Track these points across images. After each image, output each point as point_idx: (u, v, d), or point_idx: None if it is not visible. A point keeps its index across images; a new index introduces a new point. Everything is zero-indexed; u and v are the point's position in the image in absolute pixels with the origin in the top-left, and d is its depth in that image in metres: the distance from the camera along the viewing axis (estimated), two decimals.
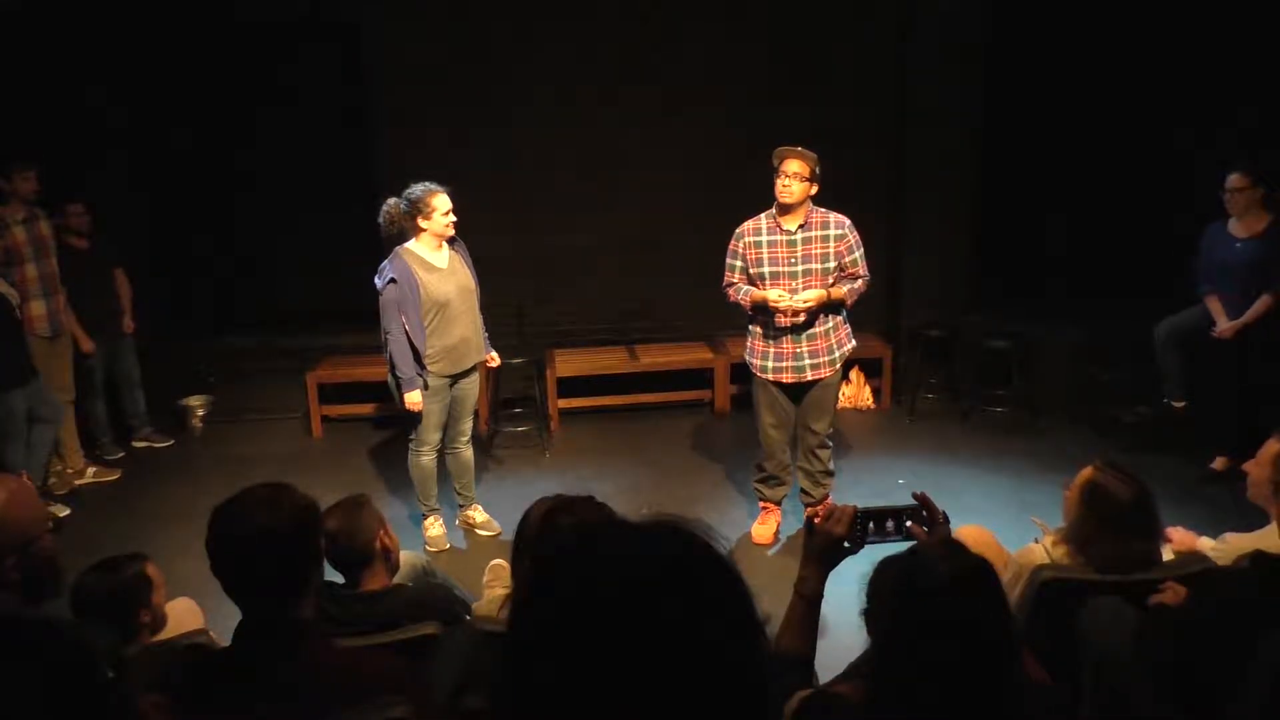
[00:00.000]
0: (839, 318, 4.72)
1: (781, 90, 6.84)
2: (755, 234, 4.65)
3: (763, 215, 4.64)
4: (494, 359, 5.10)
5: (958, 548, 1.89)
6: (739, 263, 4.69)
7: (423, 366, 4.67)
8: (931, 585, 1.78)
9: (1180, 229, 6.62)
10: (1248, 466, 3.09)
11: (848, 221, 4.62)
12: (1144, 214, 6.89)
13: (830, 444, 4.92)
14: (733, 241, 4.72)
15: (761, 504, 5.09)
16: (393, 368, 4.67)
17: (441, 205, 4.61)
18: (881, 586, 1.86)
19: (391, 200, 4.66)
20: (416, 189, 4.63)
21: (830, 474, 4.97)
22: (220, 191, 7.16)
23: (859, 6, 6.85)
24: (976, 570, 1.82)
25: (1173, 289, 6.17)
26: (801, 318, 4.59)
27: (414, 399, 4.67)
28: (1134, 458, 5.09)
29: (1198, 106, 6.59)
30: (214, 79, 6.93)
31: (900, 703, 1.73)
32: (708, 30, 6.80)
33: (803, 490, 4.97)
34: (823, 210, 4.63)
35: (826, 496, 4.87)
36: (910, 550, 1.94)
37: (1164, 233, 6.77)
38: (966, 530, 3.25)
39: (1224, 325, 5.40)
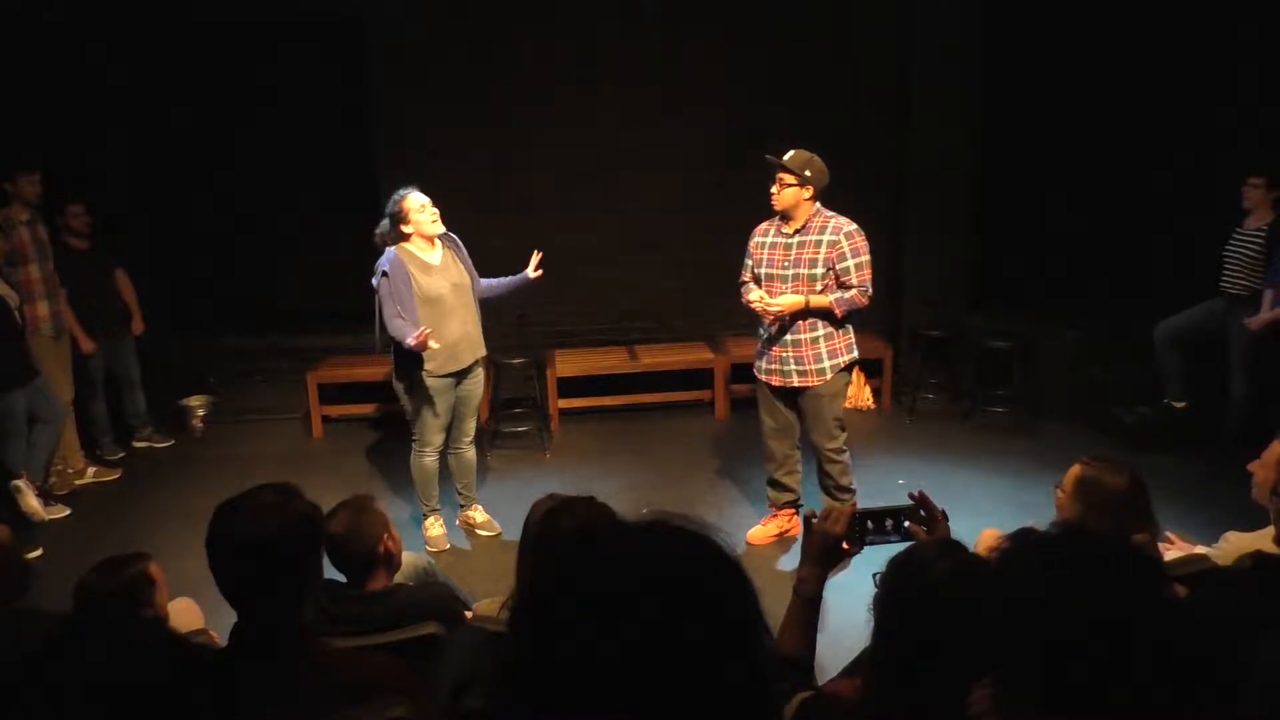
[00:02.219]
0: (833, 327, 4.55)
1: (781, 90, 6.85)
2: (763, 234, 4.66)
3: (777, 216, 4.61)
4: (537, 259, 4.98)
5: (956, 546, 1.89)
6: (749, 261, 4.71)
7: (420, 364, 4.66)
8: (929, 584, 1.78)
9: (1180, 229, 6.64)
10: (1253, 467, 3.09)
11: (847, 229, 4.45)
12: (1144, 214, 6.90)
13: (840, 459, 4.69)
14: (750, 240, 4.73)
15: (771, 507, 5.05)
16: (397, 352, 4.65)
17: (414, 204, 4.63)
18: (884, 584, 1.87)
19: (381, 223, 4.71)
20: (390, 202, 4.67)
21: (846, 489, 4.72)
22: (220, 191, 7.16)
23: (859, 6, 6.85)
24: (974, 569, 1.82)
25: (1172, 289, 6.17)
26: (772, 320, 4.57)
27: (422, 337, 4.44)
28: (1134, 458, 5.08)
29: (1198, 106, 6.60)
30: (214, 78, 6.94)
31: (897, 701, 1.73)
32: (708, 30, 6.80)
33: (824, 503, 4.88)
34: (829, 215, 4.51)
35: None
36: (908, 549, 1.94)
37: (1164, 233, 6.79)
38: (990, 533, 3.25)
39: (1263, 316, 5.33)
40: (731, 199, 6.94)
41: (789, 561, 4.77)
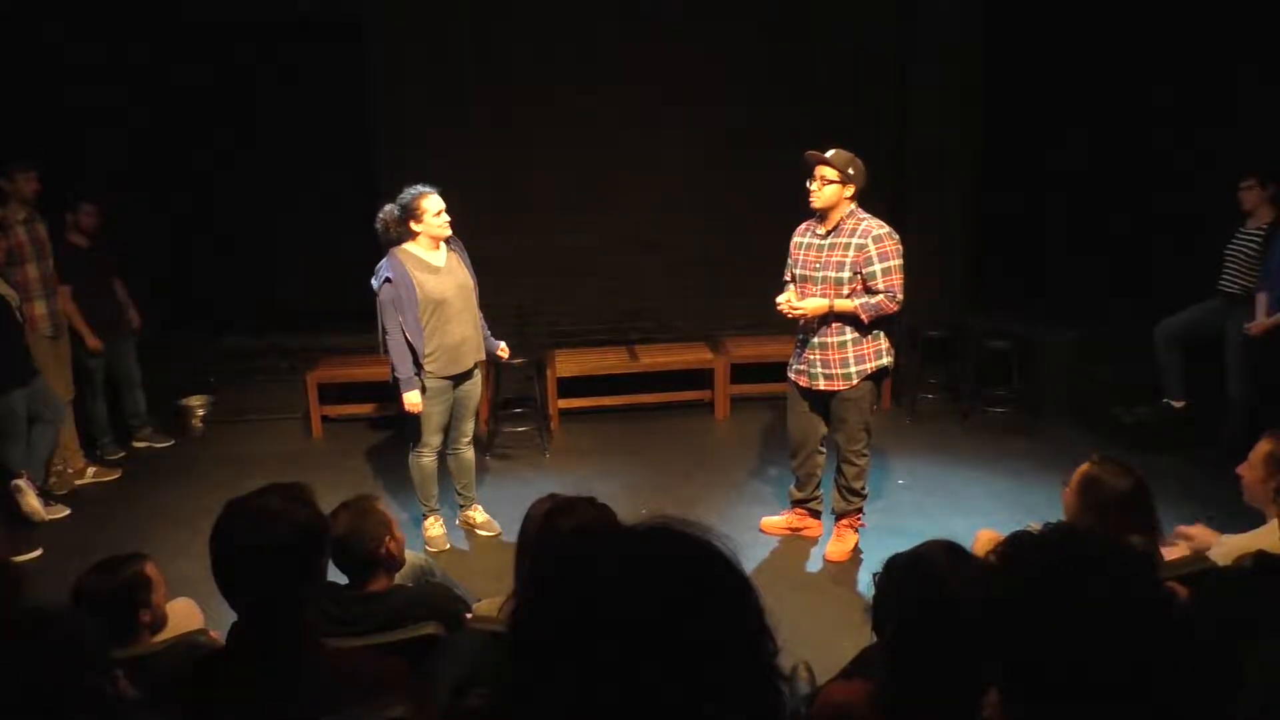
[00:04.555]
0: (862, 333, 4.47)
1: (781, 90, 6.85)
2: (802, 234, 4.65)
3: (815, 216, 4.58)
4: (505, 350, 5.11)
5: (961, 551, 1.90)
6: (790, 260, 4.70)
7: (421, 367, 4.67)
8: (933, 585, 1.79)
9: (1180, 229, 6.65)
10: (1241, 469, 3.10)
11: (876, 232, 4.38)
12: (1144, 214, 6.90)
13: (858, 462, 4.65)
14: (791, 240, 4.72)
15: (792, 501, 5.04)
16: (393, 368, 4.69)
17: (431, 206, 4.63)
18: (889, 588, 1.88)
19: (387, 207, 4.70)
20: (407, 193, 4.67)
21: (857, 494, 4.71)
22: (220, 191, 7.16)
23: (859, 6, 6.85)
24: (974, 571, 1.82)
25: (1172, 289, 6.18)
26: (804, 322, 4.58)
27: (412, 399, 4.67)
28: (1134, 458, 5.08)
29: (1198, 106, 6.60)
30: (214, 78, 6.94)
31: (910, 700, 1.75)
32: (708, 30, 6.80)
33: (833, 500, 4.87)
34: (863, 217, 4.45)
35: (854, 514, 4.74)
36: (915, 552, 1.95)
37: (1164, 233, 6.79)
38: (987, 534, 3.26)
39: (1263, 321, 5.34)
40: (731, 199, 6.96)
41: (797, 563, 4.78)
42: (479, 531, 5.18)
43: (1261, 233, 5.49)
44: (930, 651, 1.75)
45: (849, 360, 4.52)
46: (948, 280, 7.04)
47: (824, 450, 4.86)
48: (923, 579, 1.84)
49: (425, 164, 5.97)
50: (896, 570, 1.91)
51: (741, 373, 6.84)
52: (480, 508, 5.24)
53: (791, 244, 4.69)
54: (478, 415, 5.19)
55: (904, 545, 2.15)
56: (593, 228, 6.96)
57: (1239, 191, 5.55)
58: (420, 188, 4.66)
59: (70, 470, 5.86)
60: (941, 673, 1.71)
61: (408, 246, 4.68)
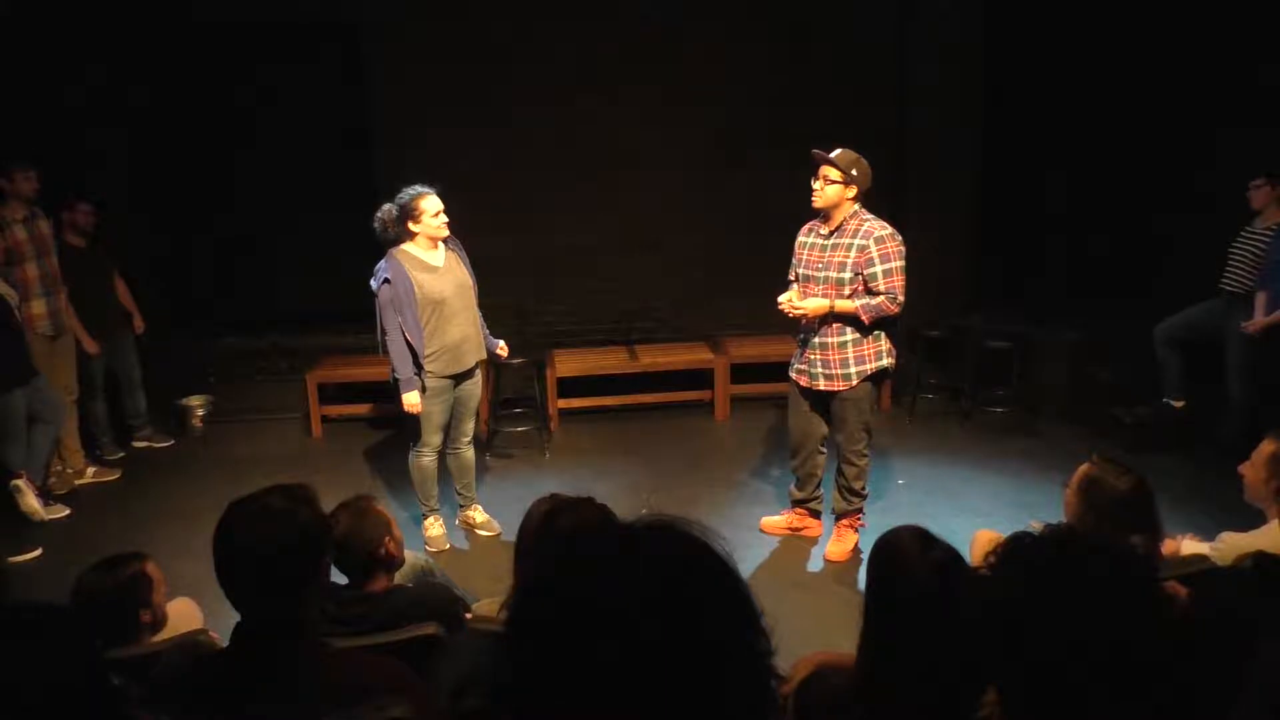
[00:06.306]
0: (862, 334, 4.47)
1: (781, 90, 6.85)
2: (806, 234, 4.66)
3: (819, 216, 4.57)
4: (504, 349, 5.12)
5: (929, 536, 1.95)
6: (794, 260, 4.70)
7: (421, 367, 4.68)
8: (909, 572, 1.86)
9: (1180, 229, 6.64)
10: (1243, 469, 3.10)
11: (878, 234, 4.38)
12: (1145, 213, 6.89)
13: (858, 462, 4.66)
14: (795, 240, 4.72)
15: (792, 501, 5.05)
16: (392, 369, 4.69)
17: (430, 207, 4.63)
18: (868, 570, 1.96)
19: (385, 206, 4.70)
20: (405, 194, 4.67)
21: (858, 494, 4.73)
22: (220, 191, 7.16)
23: (859, 6, 6.86)
24: (952, 559, 1.89)
25: (1173, 289, 6.18)
26: (805, 322, 4.57)
27: (411, 400, 4.67)
28: (1134, 458, 5.08)
29: (1199, 106, 6.59)
30: (213, 79, 6.94)
31: (885, 678, 1.79)
32: (708, 30, 6.80)
33: (833, 500, 4.87)
34: (866, 218, 4.45)
35: (855, 514, 4.75)
36: (887, 536, 2.00)
37: (1164, 233, 6.79)
38: (985, 534, 3.27)
39: (1260, 319, 5.36)
40: (731, 199, 6.96)
41: (797, 563, 4.78)
42: (479, 531, 5.19)
43: (1270, 232, 5.49)
44: (899, 634, 1.79)
45: (849, 361, 4.52)
46: (948, 280, 7.04)
47: (824, 450, 4.86)
48: (891, 564, 1.90)
49: (425, 164, 5.97)
50: (870, 558, 1.98)
51: (741, 373, 6.85)
52: (480, 508, 5.24)
53: (796, 243, 4.70)
54: (478, 415, 5.19)
55: None
56: (593, 228, 6.97)
57: (1248, 191, 5.56)
58: (419, 188, 4.66)
59: (70, 470, 5.86)
60: (912, 655, 1.75)
61: (406, 247, 4.68)
